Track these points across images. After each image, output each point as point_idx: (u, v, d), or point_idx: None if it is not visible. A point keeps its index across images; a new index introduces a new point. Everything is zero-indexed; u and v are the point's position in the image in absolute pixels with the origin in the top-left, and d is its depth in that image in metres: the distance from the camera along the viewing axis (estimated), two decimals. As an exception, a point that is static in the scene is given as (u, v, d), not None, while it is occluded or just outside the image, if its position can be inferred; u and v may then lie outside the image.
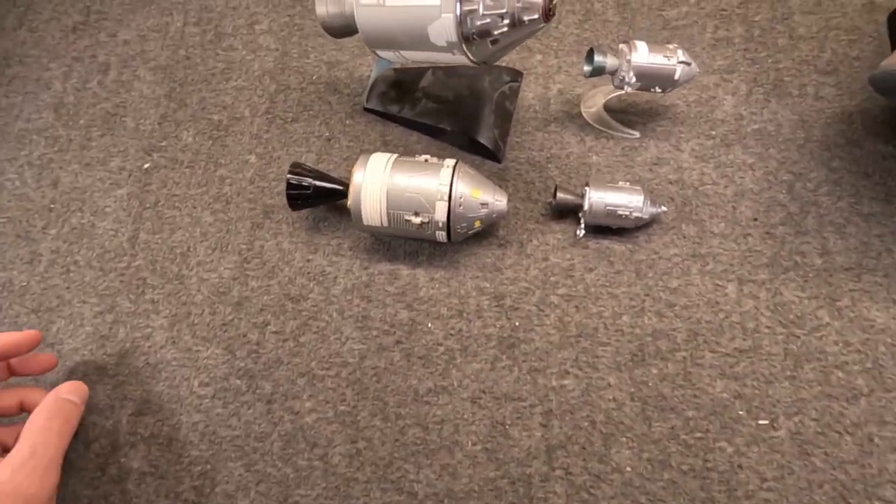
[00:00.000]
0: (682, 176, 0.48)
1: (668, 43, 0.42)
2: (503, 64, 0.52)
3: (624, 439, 0.41)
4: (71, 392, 0.40)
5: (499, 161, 0.49)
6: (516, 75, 0.51)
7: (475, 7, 0.31)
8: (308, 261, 0.48)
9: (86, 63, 0.56)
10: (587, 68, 0.44)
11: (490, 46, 0.33)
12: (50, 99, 0.55)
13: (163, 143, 0.52)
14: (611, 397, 0.42)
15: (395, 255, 0.47)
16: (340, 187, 0.45)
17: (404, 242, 0.48)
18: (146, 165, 0.52)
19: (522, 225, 0.47)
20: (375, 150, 0.51)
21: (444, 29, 0.32)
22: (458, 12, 0.31)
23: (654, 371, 0.43)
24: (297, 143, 0.52)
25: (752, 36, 0.52)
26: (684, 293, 0.44)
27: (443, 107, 0.49)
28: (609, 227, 0.46)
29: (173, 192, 0.51)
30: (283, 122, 0.53)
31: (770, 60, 0.51)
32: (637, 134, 0.49)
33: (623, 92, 0.48)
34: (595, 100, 0.49)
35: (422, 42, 0.34)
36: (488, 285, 0.46)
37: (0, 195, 0.51)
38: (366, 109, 0.52)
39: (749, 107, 0.49)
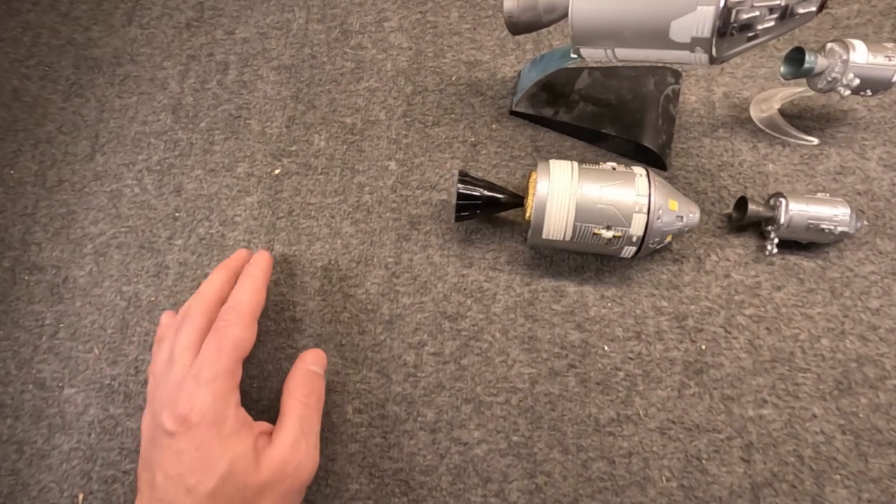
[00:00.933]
0: (870, 186, 0.44)
1: (885, 42, 0.38)
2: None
3: (838, 477, 0.37)
4: (315, 363, 0.39)
5: (665, 169, 0.46)
6: (677, 76, 0.48)
7: (746, -3, 0.27)
8: (463, 276, 0.44)
9: (203, 62, 0.53)
10: (788, 69, 0.40)
11: (744, 43, 0.29)
12: (167, 100, 0.51)
13: (293, 148, 0.49)
14: (818, 429, 0.38)
15: (558, 270, 0.44)
16: (510, 198, 0.41)
17: (568, 256, 0.44)
18: (276, 171, 0.48)
19: (698, 238, 0.44)
20: (526, 156, 0.48)
21: (696, 23, 0.29)
22: (721, 4, 0.28)
23: (864, 401, 0.39)
24: (440, 148, 0.48)
25: (934, 35, 0.48)
26: (888, 314, 0.41)
27: (604, 110, 0.46)
28: (796, 242, 0.42)
29: (308, 201, 0.47)
30: (422, 126, 0.49)
31: (956, 62, 0.47)
32: (816, 140, 0.45)
33: (794, 95, 0.44)
34: (769, 103, 0.46)
35: (655, 38, 0.31)
36: (666, 304, 0.42)
37: (119, 202, 0.48)
38: (513, 113, 0.48)
39: (938, 112, 0.46)
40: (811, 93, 0.40)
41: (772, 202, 0.41)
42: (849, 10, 0.49)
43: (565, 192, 0.38)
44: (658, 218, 0.37)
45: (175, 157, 0.49)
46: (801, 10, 0.28)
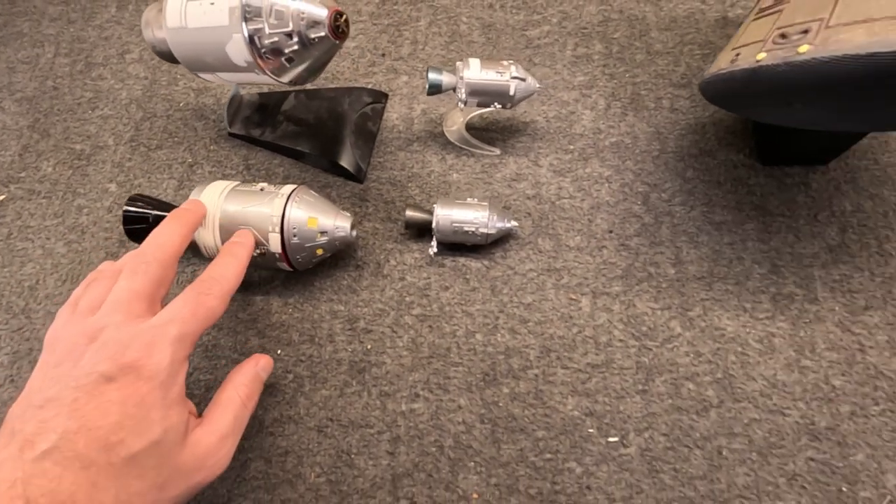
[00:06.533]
0: (539, 191, 0.47)
1: (502, 59, 0.42)
2: (368, 85, 0.52)
3: (472, 464, 0.39)
4: (265, 370, 0.38)
5: (360, 181, 0.49)
6: (380, 97, 0.51)
7: (260, 26, 0.31)
8: (160, 289, 0.46)
9: (-50, 96, 0.55)
10: (428, 86, 0.44)
11: (288, 65, 0.33)
12: None
13: (21, 175, 0.51)
14: (460, 420, 0.41)
15: (248, 280, 0.46)
16: (184, 213, 0.43)
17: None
18: (2, 198, 0.50)
19: (381, 245, 0.47)
20: (237, 174, 0.50)
21: (238, 49, 0.32)
22: (245, 33, 0.31)
23: (506, 390, 0.41)
24: (160, 169, 0.51)
25: (611, 52, 0.53)
26: (538, 308, 0.43)
27: (303, 129, 0.49)
28: (464, 245, 0.45)
29: (28, 224, 0.49)
30: (146, 150, 0.52)
31: (628, 75, 0.51)
32: (498, 151, 0.49)
33: (481, 111, 0.48)
34: (455, 118, 0.49)
35: (227, 63, 0.34)
36: (343, 308, 0.44)
37: None
38: (230, 134, 0.51)
39: (607, 120, 0.50)
40: (465, 106, 0.44)
41: (431, 209, 0.44)
42: (540, 32, 0.54)
43: (210, 213, 0.40)
44: (294, 236, 0.40)
45: None
46: (312, 35, 0.31)
